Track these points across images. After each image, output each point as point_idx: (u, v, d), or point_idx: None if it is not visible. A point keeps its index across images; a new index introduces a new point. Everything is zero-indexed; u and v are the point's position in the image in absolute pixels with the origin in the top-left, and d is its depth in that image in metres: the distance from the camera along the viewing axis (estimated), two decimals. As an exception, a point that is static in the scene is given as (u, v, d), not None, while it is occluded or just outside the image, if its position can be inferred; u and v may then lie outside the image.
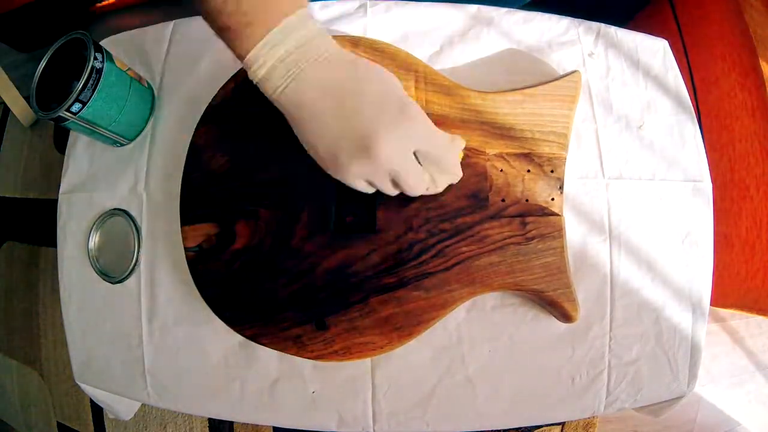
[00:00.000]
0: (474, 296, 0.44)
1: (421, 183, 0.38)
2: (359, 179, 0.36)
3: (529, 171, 0.46)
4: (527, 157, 0.46)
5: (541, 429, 0.99)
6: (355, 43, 0.48)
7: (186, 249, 0.46)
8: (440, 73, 0.48)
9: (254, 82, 0.34)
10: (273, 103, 0.35)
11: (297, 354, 0.44)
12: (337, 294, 0.44)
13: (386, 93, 0.34)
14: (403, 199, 0.45)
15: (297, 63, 0.32)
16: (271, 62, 0.32)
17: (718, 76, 0.75)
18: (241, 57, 0.33)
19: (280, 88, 0.33)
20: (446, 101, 0.46)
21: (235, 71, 0.49)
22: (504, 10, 0.54)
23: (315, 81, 0.33)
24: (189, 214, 0.47)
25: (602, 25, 0.54)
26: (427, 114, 0.45)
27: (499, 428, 0.48)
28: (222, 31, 0.33)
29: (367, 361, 0.48)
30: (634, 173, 0.50)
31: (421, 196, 0.44)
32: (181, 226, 0.47)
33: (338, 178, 0.36)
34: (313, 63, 0.33)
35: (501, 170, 0.46)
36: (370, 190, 0.38)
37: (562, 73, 0.52)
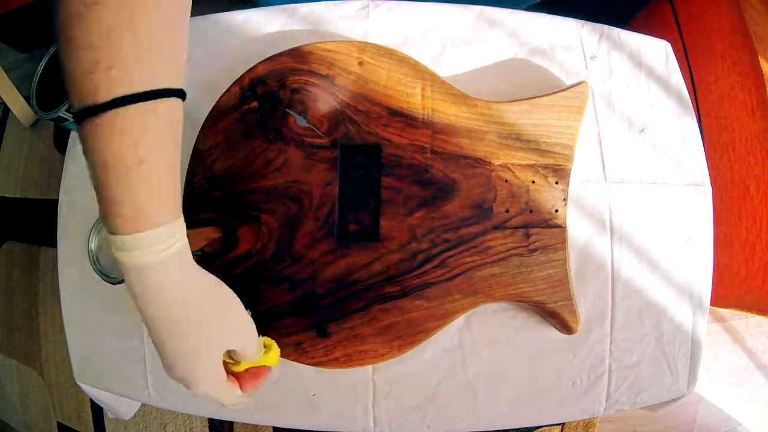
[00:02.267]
0: (476, 306, 0.44)
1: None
2: None
3: (533, 182, 0.46)
4: (532, 168, 0.46)
5: (541, 429, 0.99)
6: (362, 49, 0.48)
7: None
8: (447, 82, 0.47)
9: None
10: None
11: (297, 360, 0.44)
12: (339, 302, 0.44)
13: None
14: (407, 209, 0.45)
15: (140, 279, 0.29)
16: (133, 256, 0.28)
17: (718, 76, 0.75)
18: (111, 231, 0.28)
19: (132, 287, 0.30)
20: (453, 110, 0.46)
21: (238, 75, 0.49)
22: (507, 11, 0.54)
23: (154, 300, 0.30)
24: (191, 218, 0.47)
25: (605, 26, 0.54)
26: (433, 123, 0.45)
27: (499, 429, 0.48)
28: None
29: (367, 363, 0.48)
30: (636, 176, 0.50)
31: (425, 206, 0.44)
32: None
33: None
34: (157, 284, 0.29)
35: (506, 181, 0.45)
36: None
37: (565, 78, 0.51)
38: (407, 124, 0.46)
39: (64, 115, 0.44)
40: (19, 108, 1.14)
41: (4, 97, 1.11)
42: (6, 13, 1.02)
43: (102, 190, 0.28)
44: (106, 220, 0.28)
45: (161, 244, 0.29)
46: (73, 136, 0.55)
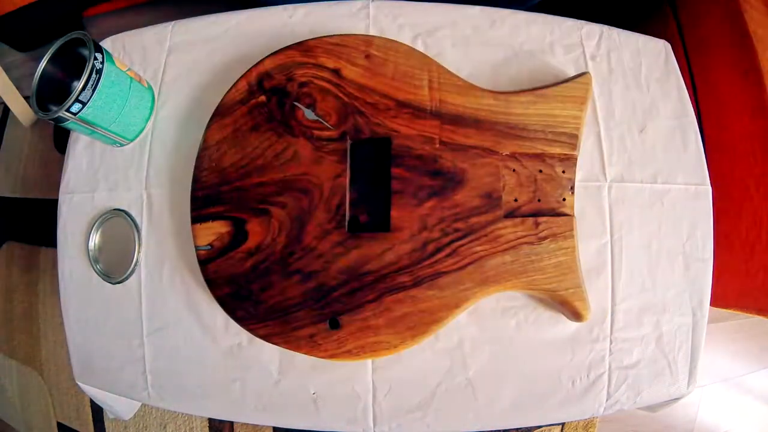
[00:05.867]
0: (487, 295, 0.45)
1: None
2: None
3: (541, 171, 0.46)
4: (539, 157, 0.46)
5: (540, 429, 0.99)
6: (368, 42, 0.48)
7: (197, 248, 0.46)
8: (453, 72, 0.48)
9: None
10: None
11: (309, 353, 0.44)
12: (351, 293, 0.44)
13: None
14: (417, 199, 0.45)
15: None
16: None
17: (718, 76, 0.75)
18: None
19: None
20: (460, 101, 0.47)
21: (240, 74, 0.49)
22: (507, 11, 0.54)
23: None
24: (200, 213, 0.47)
25: (605, 27, 0.54)
26: (441, 114, 0.46)
27: (499, 428, 0.48)
28: None
29: (368, 363, 0.48)
30: (636, 176, 0.50)
31: (435, 196, 0.45)
32: (192, 225, 0.47)
33: None
34: None
35: (514, 170, 0.46)
36: None
37: (566, 75, 0.51)
38: (415, 115, 0.46)
39: (64, 115, 0.44)
40: (19, 108, 1.14)
41: (4, 97, 1.11)
42: (6, 14, 1.02)
43: None
44: None
45: None
46: (74, 136, 0.55)
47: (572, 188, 0.46)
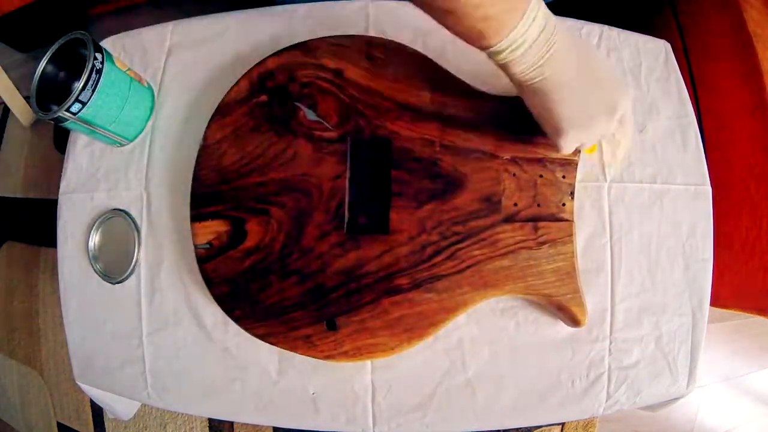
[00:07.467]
0: (485, 299, 0.44)
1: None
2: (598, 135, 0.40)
3: (541, 176, 0.46)
4: (540, 162, 0.46)
5: (540, 429, 0.99)
6: (371, 43, 0.48)
7: (196, 246, 0.46)
8: (455, 75, 0.48)
9: (501, 63, 0.37)
10: (517, 83, 0.38)
11: (306, 354, 0.44)
12: (349, 294, 0.44)
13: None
14: (417, 202, 0.45)
15: (548, 41, 0.35)
16: (529, 42, 0.35)
17: (718, 76, 0.75)
18: (490, 44, 0.35)
19: (536, 67, 0.36)
20: (462, 104, 0.47)
21: (240, 74, 0.49)
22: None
23: (566, 55, 0.37)
24: (199, 211, 0.47)
25: (605, 26, 0.54)
26: (442, 116, 0.46)
27: (498, 428, 0.48)
28: (476, 22, 0.34)
29: (367, 363, 0.48)
30: (636, 177, 0.50)
31: (434, 199, 0.45)
32: (191, 223, 0.47)
33: (582, 139, 0.40)
34: (560, 39, 0.36)
35: (514, 174, 0.46)
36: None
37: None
38: (416, 117, 0.46)
39: (64, 115, 0.44)
40: (19, 108, 1.14)
41: (4, 97, 1.11)
42: (6, 14, 1.02)
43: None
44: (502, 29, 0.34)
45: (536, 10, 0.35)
46: (73, 135, 0.55)
47: (572, 193, 0.46)
